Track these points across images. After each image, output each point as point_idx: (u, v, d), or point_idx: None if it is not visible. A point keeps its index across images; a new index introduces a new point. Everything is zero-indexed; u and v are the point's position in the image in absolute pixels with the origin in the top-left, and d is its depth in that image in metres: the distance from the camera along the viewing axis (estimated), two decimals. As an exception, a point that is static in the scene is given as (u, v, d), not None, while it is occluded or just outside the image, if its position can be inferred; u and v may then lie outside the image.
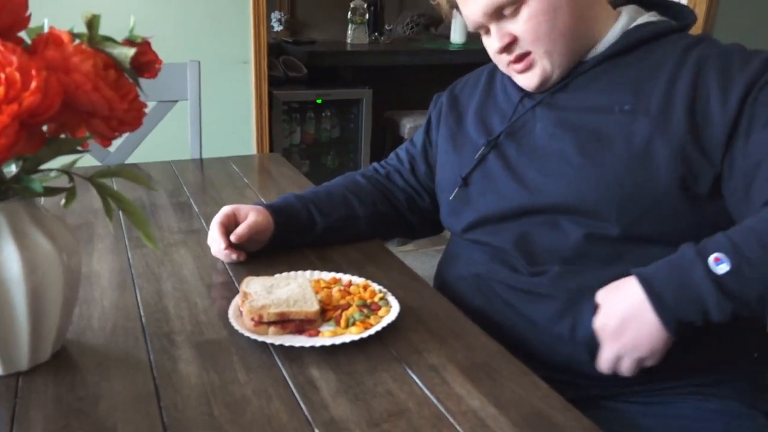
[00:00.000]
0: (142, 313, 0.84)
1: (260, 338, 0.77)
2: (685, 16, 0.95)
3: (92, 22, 0.64)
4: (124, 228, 1.12)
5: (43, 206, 0.71)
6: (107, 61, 0.66)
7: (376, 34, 3.57)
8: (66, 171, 0.68)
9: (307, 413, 0.65)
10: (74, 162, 0.70)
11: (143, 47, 0.68)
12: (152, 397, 0.66)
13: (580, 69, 0.92)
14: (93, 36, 0.65)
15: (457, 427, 0.64)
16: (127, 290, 0.90)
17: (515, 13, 0.88)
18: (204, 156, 1.65)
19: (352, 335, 0.77)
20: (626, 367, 0.77)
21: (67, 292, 0.70)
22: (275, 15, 5.80)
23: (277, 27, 5.64)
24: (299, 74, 2.76)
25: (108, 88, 0.63)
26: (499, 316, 0.92)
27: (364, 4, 3.15)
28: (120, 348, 0.76)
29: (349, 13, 3.12)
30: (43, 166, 0.68)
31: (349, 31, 3.12)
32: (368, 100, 2.77)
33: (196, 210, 1.22)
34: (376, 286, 0.90)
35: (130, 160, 1.60)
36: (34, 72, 0.57)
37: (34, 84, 0.56)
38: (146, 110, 0.69)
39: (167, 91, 1.58)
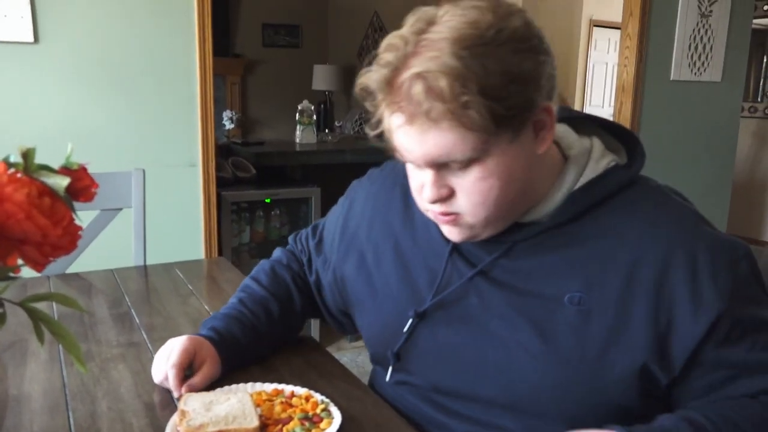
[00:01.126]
0: (73, 438, 0.81)
1: (196, 461, 0.75)
2: (635, 154, 0.86)
3: (27, 154, 0.66)
4: (60, 345, 1.09)
5: (-30, 333, 0.69)
6: (42, 189, 0.67)
7: (327, 130, 3.67)
8: (-4, 297, 0.68)
9: None
10: (5, 288, 0.70)
11: (79, 174, 0.70)
12: None
13: (524, 234, 0.82)
14: (28, 166, 0.67)
15: None
16: (58, 413, 0.87)
17: (464, 167, 0.74)
18: (151, 261, 1.64)
19: (292, 452, 0.76)
20: None
21: (-8, 424, 0.68)
22: (227, 114, 5.93)
23: (229, 125, 5.75)
24: (248, 174, 2.80)
25: (42, 215, 0.64)
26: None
27: (311, 106, 3.27)
28: (48, 479, 0.73)
29: (297, 114, 3.23)
30: (-27, 293, 0.67)
31: (298, 132, 3.21)
32: (317, 199, 2.83)
33: (137, 321, 1.20)
34: (318, 397, 0.89)
35: (71, 269, 1.57)
36: (-35, 206, 0.57)
37: (-36, 218, 0.57)
38: (82, 232, 0.70)
39: (111, 199, 1.59)
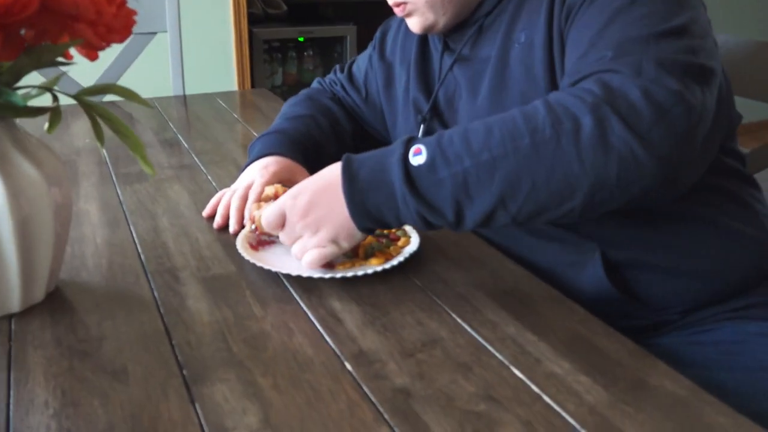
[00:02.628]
0: (139, 250, 0.77)
1: (274, 269, 0.71)
2: None
3: None
4: (110, 164, 1.04)
5: (24, 130, 0.63)
6: (87, -43, 0.57)
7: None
8: (48, 88, 0.60)
9: (333, 346, 0.60)
10: (57, 78, 0.62)
11: (129, -59, 0.60)
12: (162, 336, 0.61)
13: (486, 7, 0.83)
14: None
15: (497, 355, 0.59)
16: (120, 227, 0.83)
17: None
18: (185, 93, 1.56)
19: (374, 266, 0.72)
20: (307, 256, 0.69)
21: (58, 225, 0.63)
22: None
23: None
24: (279, 11, 2.62)
25: (93, -14, 0.55)
26: (517, 249, 0.87)
27: (342, -64, 3.00)
28: (119, 286, 0.70)
29: (328, -54, 2.97)
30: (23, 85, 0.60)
31: (328, -34, 2.98)
32: (353, 38, 2.66)
33: (186, 146, 1.14)
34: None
35: (107, 99, 1.50)
36: (6, -40, 0.48)
37: (7, -25, 0.48)
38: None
39: (144, 22, 1.47)
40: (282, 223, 0.71)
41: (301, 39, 2.63)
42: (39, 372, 0.55)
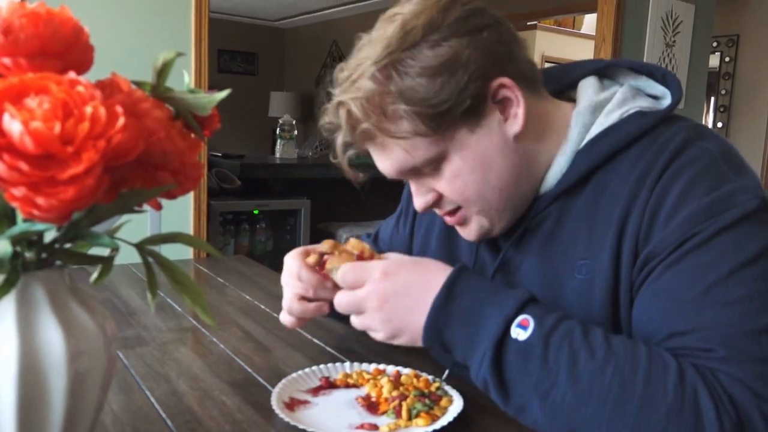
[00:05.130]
0: (163, 416, 0.70)
1: (320, 431, 0.66)
2: (673, 95, 0.74)
3: (163, 70, 0.58)
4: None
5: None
6: (170, 113, 0.59)
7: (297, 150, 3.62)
8: (111, 236, 0.58)
9: None
10: (120, 226, 0.60)
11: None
12: None
13: (534, 210, 0.76)
14: (160, 84, 0.58)
15: None
16: (134, 393, 0.76)
17: (436, 170, 0.72)
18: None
19: (425, 428, 0.68)
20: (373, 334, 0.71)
21: (107, 381, 0.57)
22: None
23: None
24: (233, 186, 2.69)
25: (179, 137, 0.56)
26: None
27: (292, 120, 3.20)
28: (153, 456, 0.62)
29: (278, 129, 3.16)
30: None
31: (278, 146, 3.14)
32: (306, 211, 2.74)
33: (179, 309, 1.09)
34: (428, 376, 0.81)
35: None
36: (120, 109, 0.49)
37: (121, 121, 0.48)
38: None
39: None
40: (359, 285, 0.69)
41: (256, 212, 2.69)
42: None
